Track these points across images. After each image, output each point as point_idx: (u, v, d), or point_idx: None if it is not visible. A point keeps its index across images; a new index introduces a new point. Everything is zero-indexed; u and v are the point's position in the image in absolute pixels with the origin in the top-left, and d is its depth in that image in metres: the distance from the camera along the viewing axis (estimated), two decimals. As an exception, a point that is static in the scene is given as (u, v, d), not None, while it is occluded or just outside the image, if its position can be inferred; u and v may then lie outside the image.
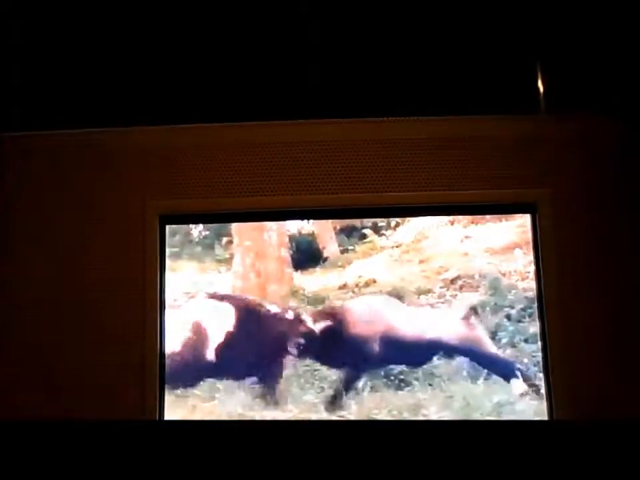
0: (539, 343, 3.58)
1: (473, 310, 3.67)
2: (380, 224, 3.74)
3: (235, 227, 3.75)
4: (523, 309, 3.66)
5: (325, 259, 3.77)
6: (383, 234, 3.74)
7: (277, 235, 3.75)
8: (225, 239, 3.77)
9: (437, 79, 3.51)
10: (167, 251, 3.68)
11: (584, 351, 3.49)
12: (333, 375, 3.62)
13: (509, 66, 3.48)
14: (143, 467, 2.46)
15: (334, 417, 3.51)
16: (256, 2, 3.25)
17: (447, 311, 3.69)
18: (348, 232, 3.77)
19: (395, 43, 3.42)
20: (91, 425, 2.65)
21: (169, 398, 3.59)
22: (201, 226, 3.75)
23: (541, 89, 3.53)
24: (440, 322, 3.69)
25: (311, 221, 3.77)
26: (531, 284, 3.66)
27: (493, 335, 3.65)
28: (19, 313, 3.49)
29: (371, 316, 3.67)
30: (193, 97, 3.53)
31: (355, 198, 3.64)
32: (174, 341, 3.66)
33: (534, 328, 3.63)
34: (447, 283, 3.71)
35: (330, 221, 3.77)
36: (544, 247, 3.58)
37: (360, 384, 3.62)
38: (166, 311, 3.58)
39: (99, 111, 3.53)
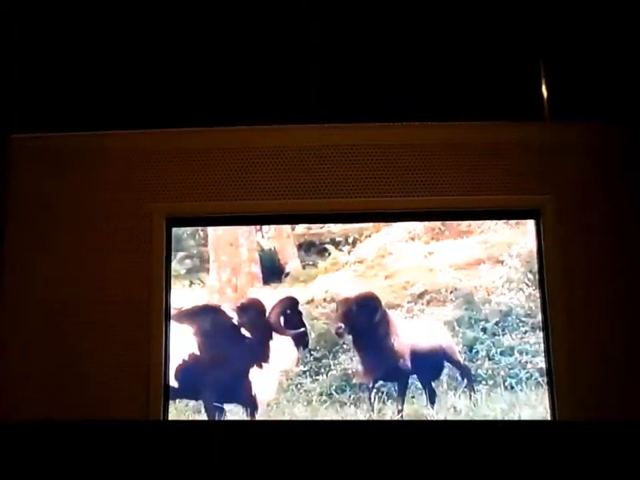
0: (543, 352, 3.52)
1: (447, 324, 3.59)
2: (338, 239, 3.67)
3: (210, 242, 3.69)
4: (497, 323, 3.58)
5: (287, 274, 3.65)
6: (341, 250, 3.66)
7: (247, 250, 3.67)
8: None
9: (440, 85, 3.53)
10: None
11: (589, 356, 3.44)
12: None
13: (512, 72, 3.52)
14: (147, 467, 2.44)
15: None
16: (256, 5, 3.35)
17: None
18: (307, 248, 3.67)
19: (396, 48, 3.47)
20: (95, 425, 2.61)
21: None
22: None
23: (545, 95, 3.57)
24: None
25: (272, 238, 3.71)
26: (502, 298, 3.59)
27: (469, 349, 3.56)
28: (23, 314, 3.45)
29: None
30: (200, 100, 3.57)
31: (357, 203, 3.60)
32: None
33: (508, 342, 3.54)
34: (415, 298, 3.61)
35: (291, 236, 3.69)
36: (547, 253, 3.54)
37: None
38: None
39: (105, 113, 3.60)
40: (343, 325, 3.55)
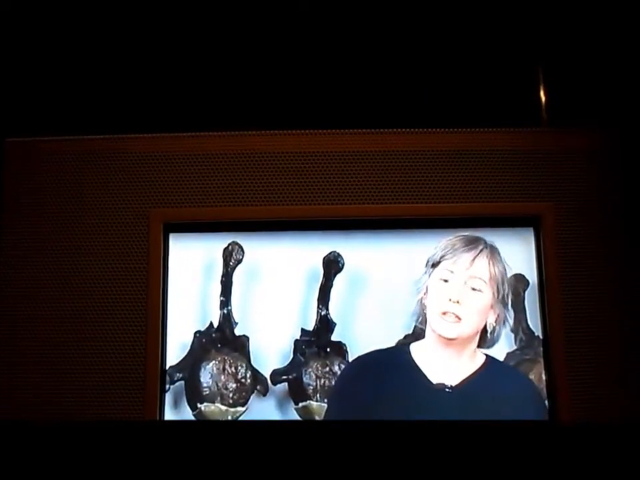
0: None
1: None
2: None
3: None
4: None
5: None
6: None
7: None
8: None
9: (438, 91, 3.51)
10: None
11: (589, 361, 3.25)
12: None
13: (510, 78, 3.51)
14: (144, 467, 2.53)
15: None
16: (255, 6, 3.42)
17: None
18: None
19: (393, 54, 3.48)
20: (92, 425, 2.74)
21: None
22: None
23: (543, 101, 3.55)
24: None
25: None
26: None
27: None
28: (21, 316, 3.37)
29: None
30: (198, 104, 3.56)
31: (361, 209, 3.43)
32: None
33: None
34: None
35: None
36: (547, 260, 3.37)
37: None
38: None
39: (102, 117, 3.56)
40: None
